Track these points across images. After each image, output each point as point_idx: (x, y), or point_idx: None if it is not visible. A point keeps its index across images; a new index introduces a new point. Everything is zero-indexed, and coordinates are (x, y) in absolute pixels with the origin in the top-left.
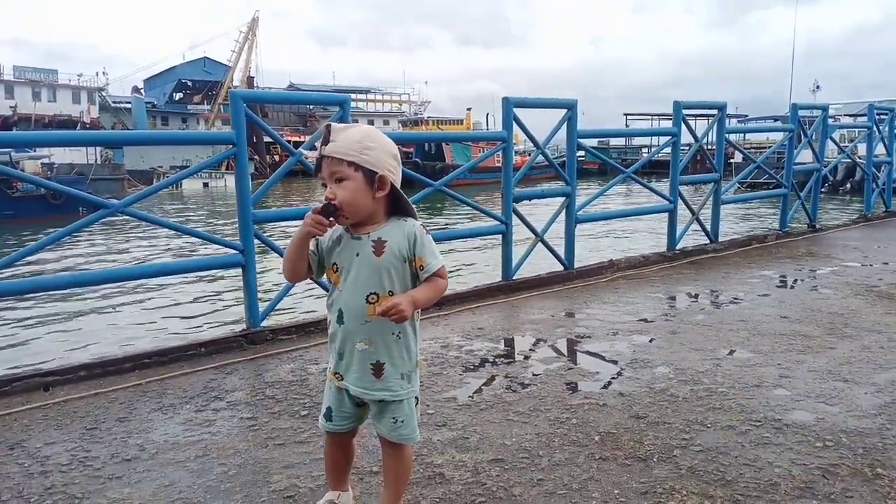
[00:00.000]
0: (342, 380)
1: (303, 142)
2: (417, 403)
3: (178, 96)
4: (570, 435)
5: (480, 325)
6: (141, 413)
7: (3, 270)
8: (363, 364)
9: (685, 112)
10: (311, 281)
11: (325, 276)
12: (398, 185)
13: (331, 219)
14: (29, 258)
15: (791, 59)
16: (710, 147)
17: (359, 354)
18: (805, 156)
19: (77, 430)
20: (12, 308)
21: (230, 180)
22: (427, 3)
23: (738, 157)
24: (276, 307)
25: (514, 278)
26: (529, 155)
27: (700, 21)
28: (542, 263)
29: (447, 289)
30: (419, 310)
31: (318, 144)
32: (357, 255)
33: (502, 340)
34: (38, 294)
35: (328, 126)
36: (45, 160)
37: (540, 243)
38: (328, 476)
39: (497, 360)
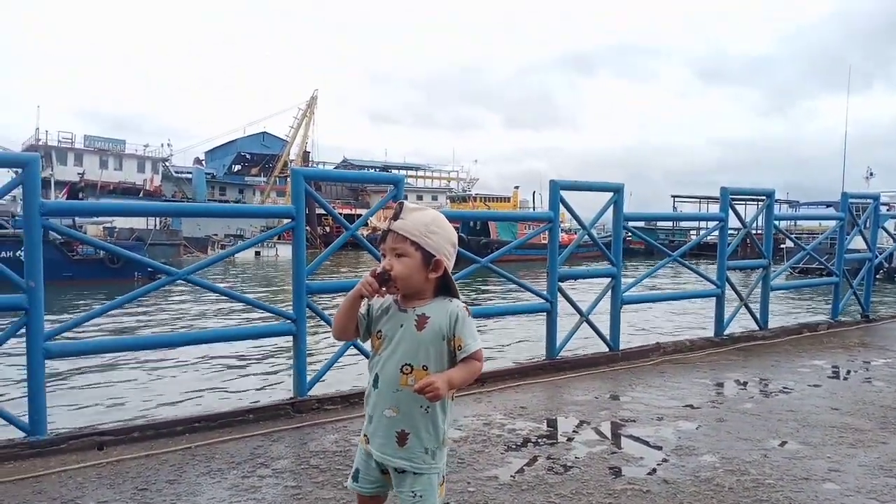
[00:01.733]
0: (368, 443)
1: (354, 215)
2: (442, 483)
3: (236, 168)
4: None
5: (523, 403)
6: (190, 476)
7: (68, 331)
8: (388, 431)
9: (733, 197)
10: (359, 353)
11: (369, 341)
12: (450, 270)
13: (383, 287)
14: (87, 321)
15: (843, 147)
16: (758, 232)
17: (386, 420)
18: (859, 242)
19: (128, 489)
20: (70, 368)
21: (282, 249)
22: (479, 87)
23: (789, 242)
24: (323, 377)
25: (558, 357)
26: (576, 233)
27: (749, 108)
28: (586, 343)
29: (488, 367)
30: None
31: (385, 215)
32: (401, 326)
33: (545, 420)
34: (94, 355)
35: (401, 204)
36: (108, 225)
37: (585, 323)
38: None
39: (540, 440)
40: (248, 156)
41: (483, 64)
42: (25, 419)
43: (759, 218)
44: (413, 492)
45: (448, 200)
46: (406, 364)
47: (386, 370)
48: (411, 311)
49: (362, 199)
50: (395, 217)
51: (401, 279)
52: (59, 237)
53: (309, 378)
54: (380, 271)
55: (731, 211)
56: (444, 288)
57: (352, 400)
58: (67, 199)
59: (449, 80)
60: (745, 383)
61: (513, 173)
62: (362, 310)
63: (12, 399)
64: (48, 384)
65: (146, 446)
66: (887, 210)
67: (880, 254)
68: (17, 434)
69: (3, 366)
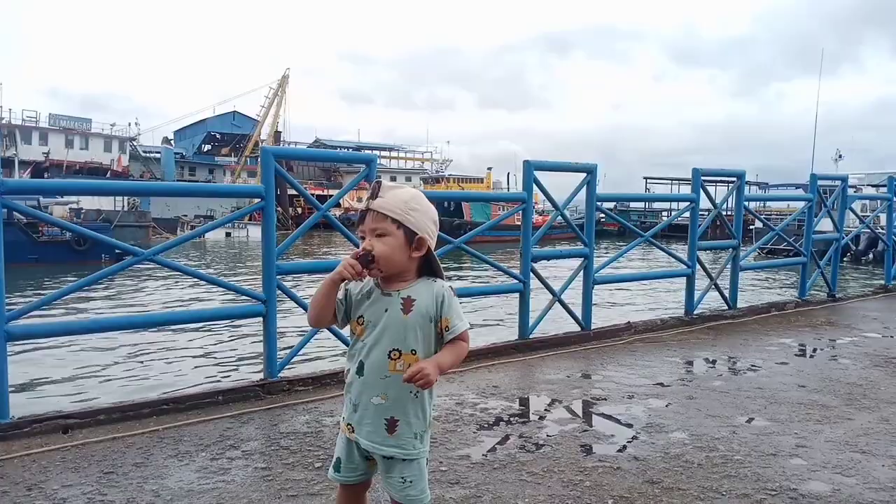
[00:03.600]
0: (353, 432)
1: (326, 196)
2: (427, 464)
3: (206, 148)
4: (584, 498)
5: (496, 383)
6: (157, 459)
7: (31, 313)
8: (377, 418)
9: (704, 179)
10: (329, 334)
11: (347, 326)
12: (433, 248)
13: (365, 269)
14: (50, 302)
15: (814, 129)
16: (728, 213)
17: (374, 408)
18: (826, 224)
19: (94, 473)
20: (34, 350)
21: (252, 230)
22: (453, 67)
23: (758, 223)
24: (294, 357)
25: (530, 337)
26: (549, 214)
27: (721, 91)
28: (559, 323)
29: None
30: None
31: (363, 197)
32: (386, 310)
33: (517, 399)
34: (60, 337)
35: (378, 182)
36: (74, 205)
37: (557, 303)
38: None
39: (512, 419)
40: (218, 135)
41: (458, 44)
42: None
43: (730, 199)
44: (403, 478)
45: (422, 181)
46: (394, 349)
47: (372, 357)
48: (395, 294)
49: (335, 180)
50: (374, 196)
51: (383, 259)
52: (24, 218)
53: (279, 360)
54: (361, 252)
55: (702, 192)
56: (427, 268)
57: (323, 381)
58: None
59: (423, 60)
60: (714, 361)
61: (486, 154)
62: (340, 295)
63: None
64: (11, 367)
65: (112, 429)
66: (854, 192)
67: (847, 235)
68: None
69: None
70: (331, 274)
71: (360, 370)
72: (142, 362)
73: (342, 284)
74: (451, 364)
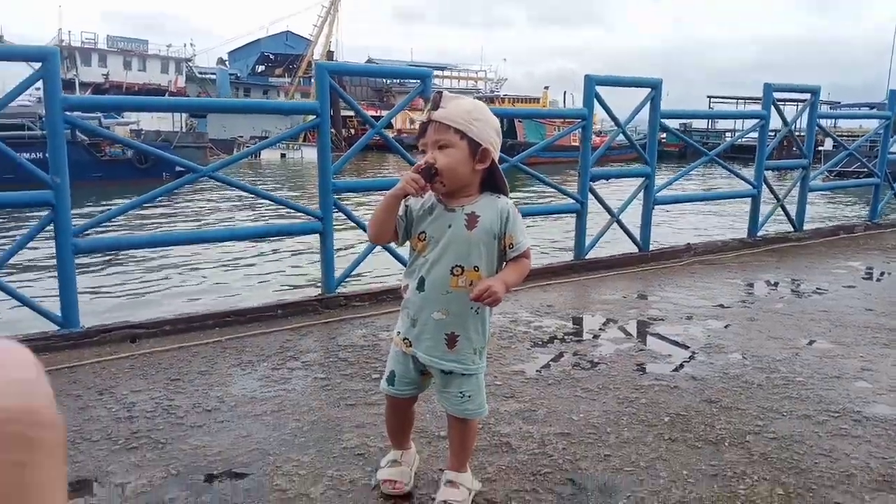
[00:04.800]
0: (410, 346)
1: (379, 116)
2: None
3: (260, 68)
4: (639, 414)
5: (550, 302)
6: (221, 368)
7: (97, 227)
8: (437, 333)
9: (775, 95)
10: (385, 252)
11: (406, 243)
12: (496, 161)
13: (428, 183)
14: (115, 218)
15: (892, 44)
16: (797, 133)
17: (434, 323)
18: None
19: (161, 380)
20: (103, 264)
21: (307, 152)
22: None
23: (827, 145)
24: (350, 274)
25: (586, 257)
26: (606, 135)
27: (791, 3)
28: (616, 245)
29: None
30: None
31: (415, 118)
32: (449, 226)
33: (572, 318)
34: (125, 251)
35: (439, 93)
36: (134, 126)
37: (615, 224)
38: (391, 437)
39: (566, 337)
40: (271, 56)
41: None
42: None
43: (801, 118)
44: (461, 392)
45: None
46: (457, 265)
47: (434, 272)
48: (459, 209)
49: (387, 101)
50: (435, 107)
51: (447, 171)
52: (87, 138)
53: (336, 276)
54: (424, 165)
55: (773, 108)
56: (490, 182)
57: (379, 297)
58: None
59: None
60: (776, 284)
61: (543, 73)
62: (400, 211)
63: (49, 296)
64: (81, 280)
65: (178, 339)
66: None
67: None
68: (52, 327)
69: (40, 264)
70: (392, 189)
71: (420, 286)
72: (203, 277)
73: (403, 200)
74: (516, 282)
